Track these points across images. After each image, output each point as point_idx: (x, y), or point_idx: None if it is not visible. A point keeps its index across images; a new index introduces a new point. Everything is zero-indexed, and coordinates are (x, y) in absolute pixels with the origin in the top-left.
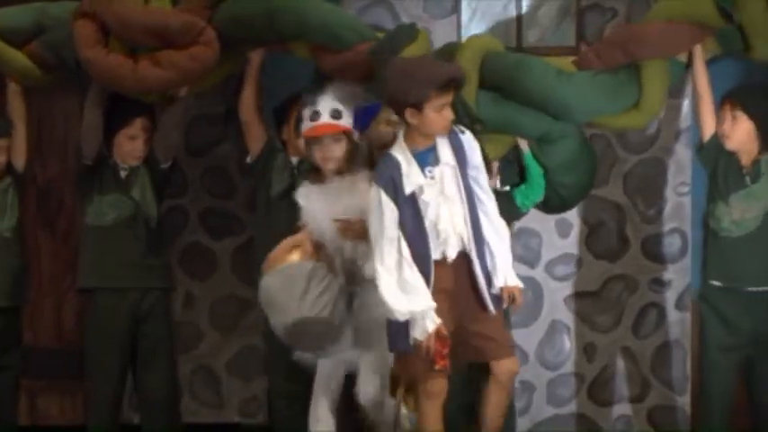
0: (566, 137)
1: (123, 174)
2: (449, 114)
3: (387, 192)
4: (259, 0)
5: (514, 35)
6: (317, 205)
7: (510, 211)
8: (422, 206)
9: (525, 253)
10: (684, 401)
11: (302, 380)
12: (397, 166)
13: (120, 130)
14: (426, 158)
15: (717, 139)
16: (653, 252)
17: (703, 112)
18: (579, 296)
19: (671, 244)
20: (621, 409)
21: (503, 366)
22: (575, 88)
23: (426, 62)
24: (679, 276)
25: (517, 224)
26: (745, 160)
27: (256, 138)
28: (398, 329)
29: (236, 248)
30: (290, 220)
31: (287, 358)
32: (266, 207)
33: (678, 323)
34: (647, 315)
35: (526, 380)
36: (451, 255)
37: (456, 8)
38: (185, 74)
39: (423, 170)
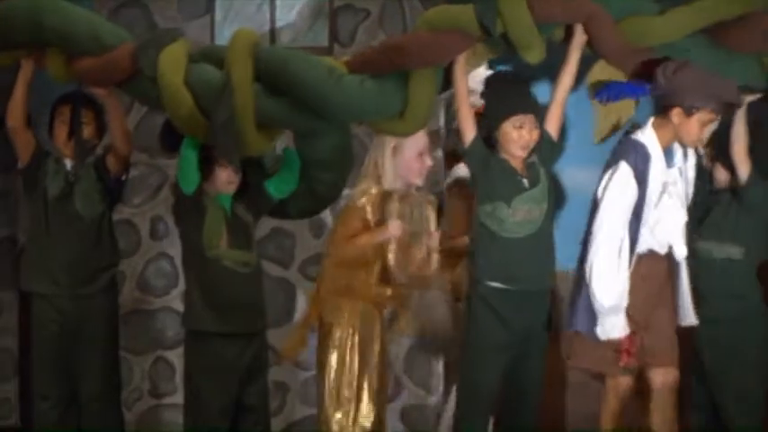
0: (332, 133)
1: None
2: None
3: (635, 175)
4: (23, 6)
5: (268, 36)
6: None
7: (264, 202)
8: (652, 199)
9: (279, 253)
10: (436, 401)
11: (67, 381)
12: (647, 155)
13: None
14: (670, 158)
15: (480, 142)
16: None
17: (464, 116)
18: None
19: None
20: None
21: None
22: (342, 91)
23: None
24: None
25: (270, 225)
26: (516, 163)
27: (24, 145)
28: (586, 311)
29: None
30: (67, 223)
31: (52, 360)
32: (43, 211)
33: None
34: (401, 314)
35: (280, 380)
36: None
37: (210, 8)
38: None
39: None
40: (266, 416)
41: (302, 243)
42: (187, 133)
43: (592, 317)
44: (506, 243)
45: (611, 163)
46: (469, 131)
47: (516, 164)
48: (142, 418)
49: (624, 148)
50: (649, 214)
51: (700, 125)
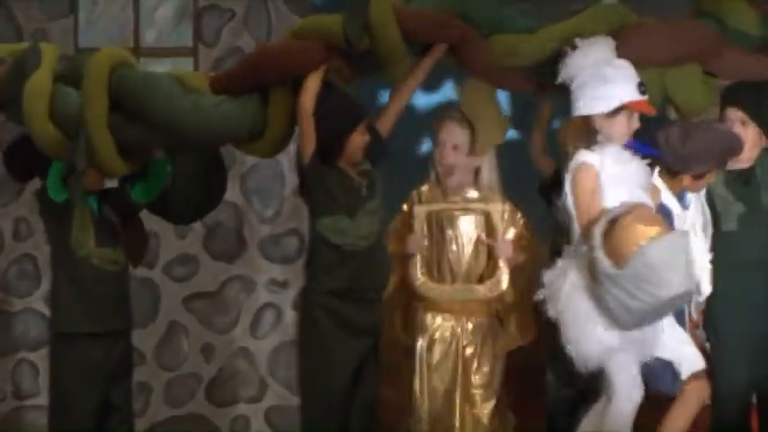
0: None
1: None
2: None
3: None
4: None
5: (132, 36)
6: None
7: (128, 207)
8: None
9: None
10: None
11: None
12: (669, 212)
13: None
14: (683, 201)
15: (318, 157)
16: (270, 253)
17: (306, 131)
18: (197, 297)
19: (288, 245)
20: (239, 409)
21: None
22: (196, 116)
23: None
24: (296, 277)
25: None
26: (353, 171)
27: None
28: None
29: None
30: None
31: None
32: None
33: (295, 323)
34: (264, 315)
35: (143, 381)
36: None
37: (73, 9)
38: None
39: None
40: (130, 415)
41: (167, 244)
42: (54, 157)
43: (673, 375)
44: (348, 255)
45: None
46: (310, 146)
47: (353, 173)
48: (5, 419)
49: None
50: None
51: (708, 180)
